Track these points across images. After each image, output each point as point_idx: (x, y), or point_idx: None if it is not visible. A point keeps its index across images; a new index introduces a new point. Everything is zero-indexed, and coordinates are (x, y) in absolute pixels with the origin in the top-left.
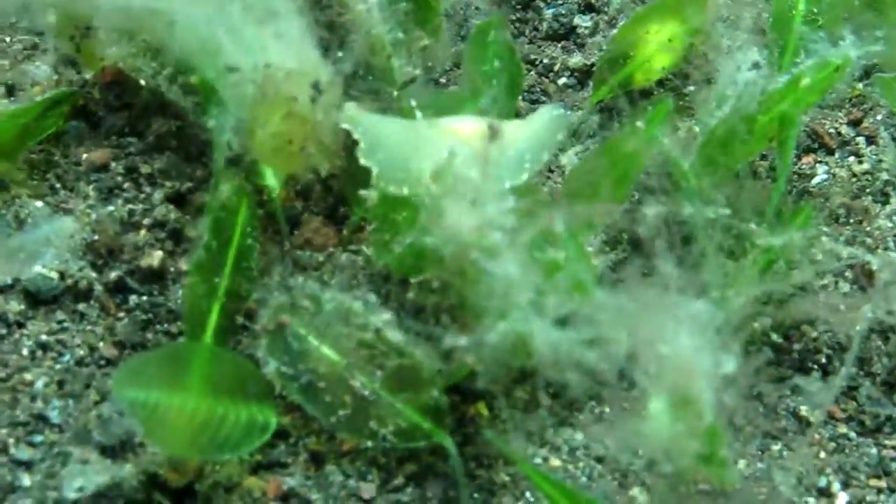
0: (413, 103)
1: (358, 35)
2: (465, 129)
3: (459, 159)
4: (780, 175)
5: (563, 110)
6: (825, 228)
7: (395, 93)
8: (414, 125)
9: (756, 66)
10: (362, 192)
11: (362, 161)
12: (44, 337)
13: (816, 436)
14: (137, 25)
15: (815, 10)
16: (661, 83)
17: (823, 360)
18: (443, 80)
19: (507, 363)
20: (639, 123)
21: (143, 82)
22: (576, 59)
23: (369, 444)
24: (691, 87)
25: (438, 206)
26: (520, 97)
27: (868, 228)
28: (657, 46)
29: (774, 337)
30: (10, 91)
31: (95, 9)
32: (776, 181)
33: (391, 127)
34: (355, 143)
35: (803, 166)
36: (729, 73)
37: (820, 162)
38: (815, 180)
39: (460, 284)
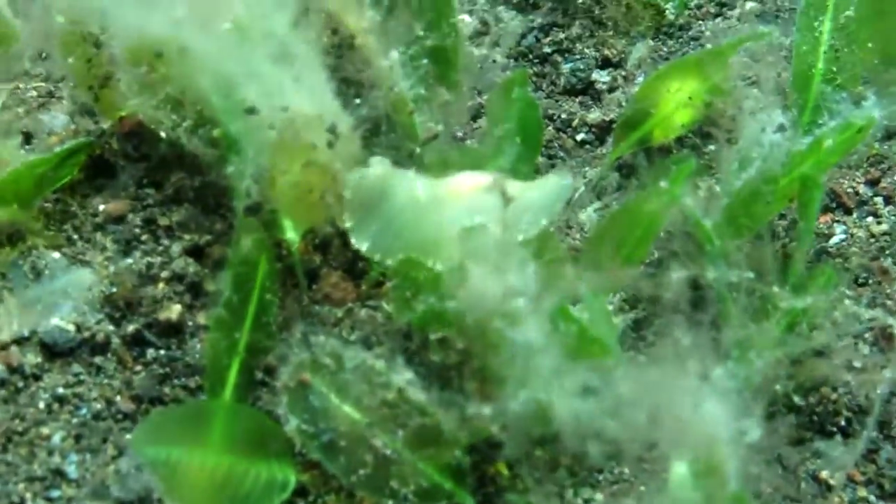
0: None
1: (380, 91)
2: (470, 184)
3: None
4: (803, 237)
5: (570, 181)
6: (845, 290)
7: (418, 149)
8: (419, 187)
9: (782, 128)
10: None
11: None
12: (60, 390)
13: (836, 499)
14: (151, 55)
15: (834, 69)
16: (679, 141)
17: (843, 423)
18: (460, 135)
19: (529, 431)
20: (662, 183)
21: (162, 134)
22: (594, 115)
23: (390, 503)
24: (712, 146)
25: (462, 271)
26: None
27: (888, 290)
28: (677, 104)
29: (795, 399)
30: (27, 139)
31: (105, 29)
32: (799, 242)
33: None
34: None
35: (821, 225)
36: (753, 134)
37: (838, 221)
38: (834, 240)
39: (482, 349)
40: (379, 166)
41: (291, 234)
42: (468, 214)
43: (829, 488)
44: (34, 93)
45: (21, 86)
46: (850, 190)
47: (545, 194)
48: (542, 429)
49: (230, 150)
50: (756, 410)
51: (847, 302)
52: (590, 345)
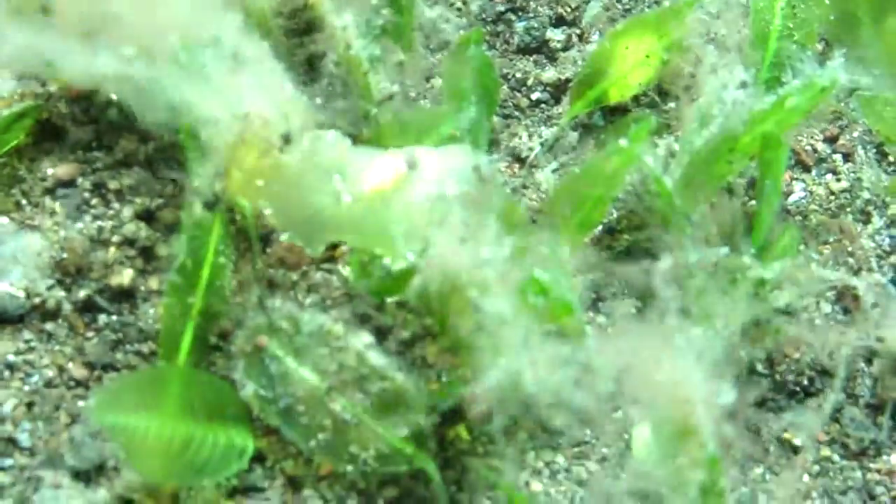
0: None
1: (335, 53)
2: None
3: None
4: (769, 197)
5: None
6: (804, 248)
7: (374, 110)
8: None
9: (744, 85)
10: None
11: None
12: (11, 357)
13: (801, 460)
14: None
15: (791, 26)
16: (636, 99)
17: (806, 383)
18: (413, 95)
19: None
20: (622, 142)
21: (113, 97)
22: (549, 74)
23: (349, 468)
24: (670, 104)
25: (425, 241)
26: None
27: (849, 248)
28: (634, 62)
29: (758, 362)
30: None
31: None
32: (764, 202)
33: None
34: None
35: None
36: (714, 91)
37: (796, 179)
38: (793, 198)
39: (446, 317)
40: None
41: (244, 200)
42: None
43: (794, 449)
44: None
45: None
46: (808, 147)
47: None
48: (515, 395)
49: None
50: (726, 374)
51: (814, 266)
52: (556, 309)
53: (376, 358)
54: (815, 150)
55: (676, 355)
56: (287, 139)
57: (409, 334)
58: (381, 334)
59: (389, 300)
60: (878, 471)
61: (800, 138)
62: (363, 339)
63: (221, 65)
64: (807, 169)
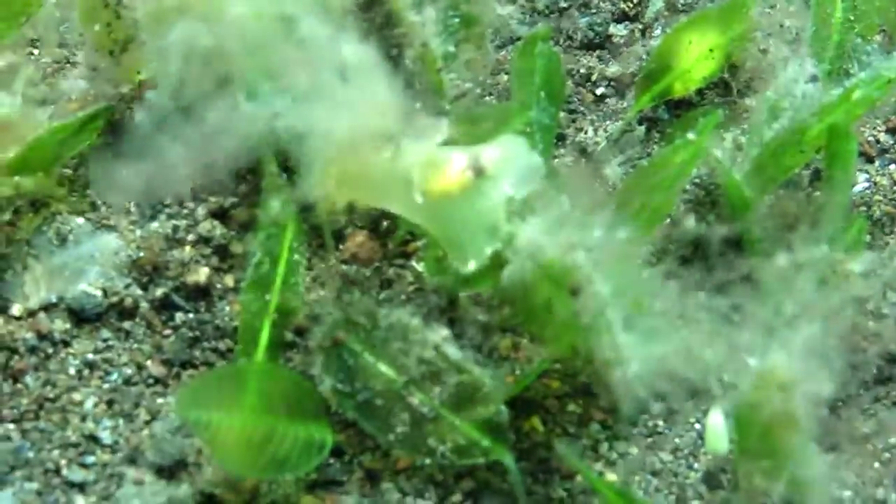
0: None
1: (412, 49)
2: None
3: None
4: (838, 188)
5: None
6: (870, 238)
7: (448, 106)
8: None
9: (814, 78)
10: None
11: None
12: (90, 356)
13: (870, 447)
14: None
15: (852, 18)
16: (700, 93)
17: (875, 372)
18: (479, 91)
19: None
20: (690, 134)
21: None
22: (613, 69)
23: (426, 461)
24: (735, 98)
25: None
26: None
27: None
28: (698, 56)
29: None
30: (46, 106)
31: None
32: (833, 193)
33: None
34: None
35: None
36: (784, 84)
37: (860, 170)
38: (857, 189)
39: (536, 308)
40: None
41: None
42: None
43: (866, 438)
44: (49, 59)
45: (35, 52)
46: (871, 139)
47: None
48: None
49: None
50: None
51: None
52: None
53: (453, 351)
54: (878, 141)
55: (765, 344)
56: (395, 143)
57: (483, 328)
58: (456, 328)
59: (462, 295)
60: None
61: (862, 129)
62: (440, 332)
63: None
64: (870, 160)
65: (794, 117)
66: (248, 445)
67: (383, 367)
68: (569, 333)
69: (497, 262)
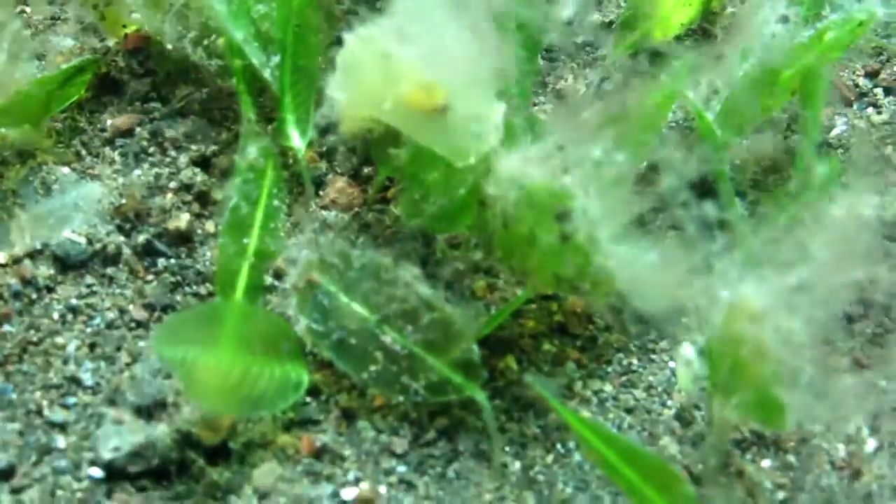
0: None
1: None
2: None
3: None
4: (809, 129)
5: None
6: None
7: None
8: None
9: (784, 19)
10: (392, 151)
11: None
12: (74, 301)
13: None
14: None
15: None
16: (680, 39)
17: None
18: None
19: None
20: (662, 76)
21: (168, 47)
22: (594, 17)
23: (401, 399)
24: (714, 44)
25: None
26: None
27: (892, 178)
28: (676, 2)
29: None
30: (36, 60)
31: None
32: (805, 134)
33: None
34: None
35: (822, 118)
36: (756, 27)
37: (839, 114)
38: (835, 132)
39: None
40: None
41: (297, 142)
42: None
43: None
44: (40, 16)
45: (27, 9)
46: (849, 83)
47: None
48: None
49: (234, 58)
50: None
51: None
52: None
53: (424, 289)
54: (856, 85)
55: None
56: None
57: (459, 270)
58: (431, 268)
59: (440, 237)
60: None
61: (841, 74)
62: (412, 271)
63: None
64: (848, 104)
65: (763, 58)
66: (224, 383)
67: (356, 307)
68: (552, 261)
69: (474, 201)
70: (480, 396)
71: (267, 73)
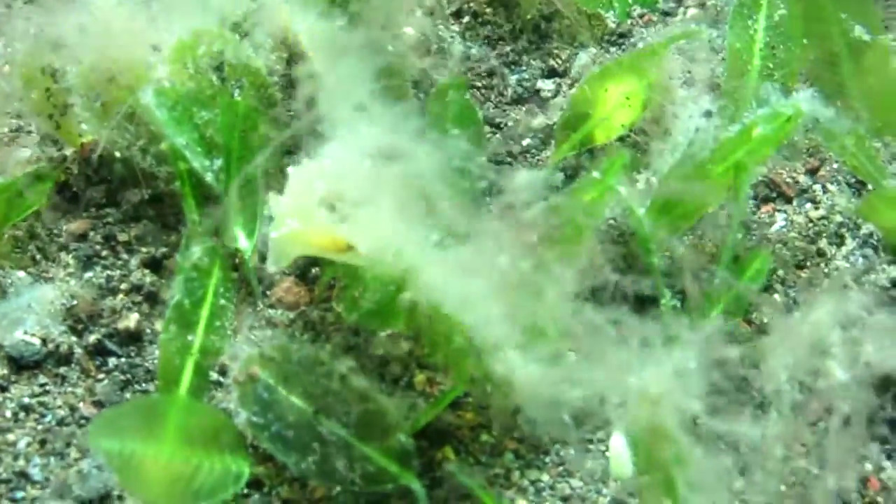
0: None
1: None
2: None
3: None
4: (734, 219)
5: None
6: (782, 273)
7: None
8: None
9: (708, 114)
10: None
11: None
12: (26, 399)
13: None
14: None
15: (771, 66)
16: (622, 140)
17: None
18: None
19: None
20: (595, 174)
21: (117, 154)
22: (538, 121)
23: (339, 489)
24: (652, 143)
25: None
26: (484, 157)
27: (826, 270)
28: (615, 104)
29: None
30: None
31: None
32: (730, 226)
33: None
34: None
35: (762, 215)
36: (682, 123)
37: (779, 210)
38: (774, 228)
39: (437, 333)
40: None
41: (244, 244)
42: None
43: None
44: (6, 129)
45: None
46: (789, 180)
47: None
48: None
49: (177, 162)
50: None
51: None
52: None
53: (359, 381)
54: (796, 182)
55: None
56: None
57: (398, 362)
58: (371, 363)
59: (382, 334)
60: None
61: (781, 172)
62: (347, 364)
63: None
64: (788, 200)
65: (688, 151)
66: (163, 476)
67: (295, 399)
68: (465, 362)
69: (404, 306)
70: (416, 485)
71: (209, 177)
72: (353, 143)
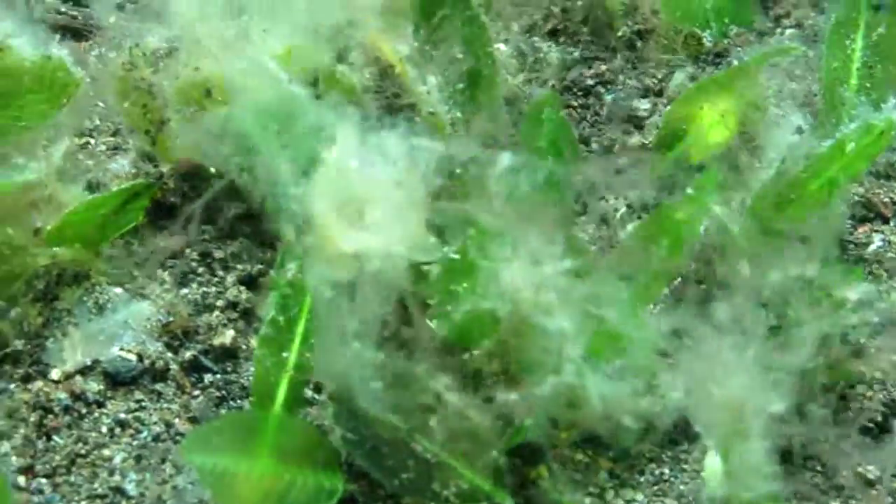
0: None
1: (419, 116)
2: None
3: None
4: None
5: None
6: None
7: (458, 170)
8: None
9: (799, 130)
10: (425, 268)
11: None
12: (122, 415)
13: (874, 492)
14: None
15: (868, 85)
16: (716, 157)
17: (879, 419)
18: None
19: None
20: (688, 190)
21: (212, 170)
22: (635, 139)
23: None
24: (744, 160)
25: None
26: (579, 176)
27: None
28: (710, 122)
29: (831, 396)
30: (97, 188)
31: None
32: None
33: None
34: None
35: (859, 235)
36: (776, 140)
37: (876, 231)
38: (871, 248)
39: (516, 344)
40: None
41: None
42: None
43: (869, 483)
44: (104, 147)
45: (92, 141)
46: (886, 199)
47: None
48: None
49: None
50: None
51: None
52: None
53: (454, 398)
54: (893, 203)
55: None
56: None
57: (492, 379)
58: (465, 380)
59: (475, 351)
60: None
61: (878, 192)
62: (443, 381)
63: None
64: (885, 220)
65: (781, 169)
66: (255, 492)
67: (389, 416)
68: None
69: (492, 317)
70: (509, 503)
71: None
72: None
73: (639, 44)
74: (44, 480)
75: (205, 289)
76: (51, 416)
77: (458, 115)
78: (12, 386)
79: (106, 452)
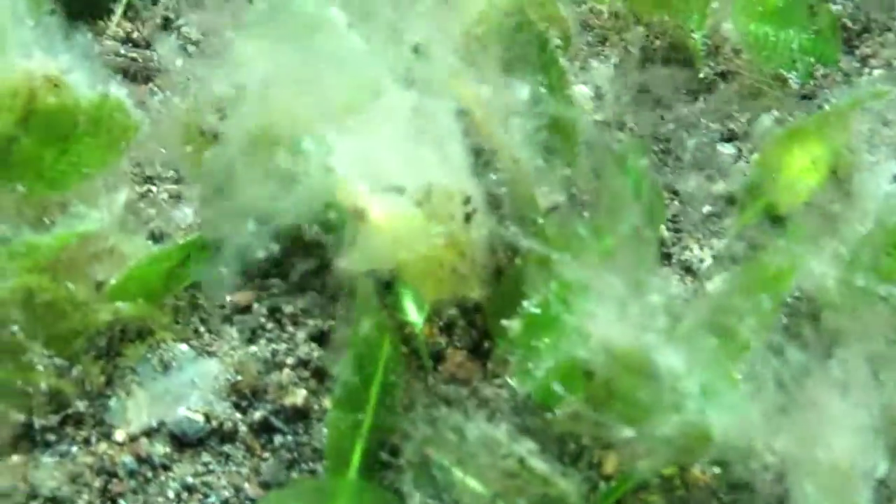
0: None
1: (502, 162)
2: None
3: None
4: None
5: None
6: None
7: (540, 220)
8: None
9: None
10: (505, 323)
11: None
12: (189, 479)
13: None
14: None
15: None
16: (807, 206)
17: None
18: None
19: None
20: (781, 242)
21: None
22: (719, 187)
23: None
24: (836, 208)
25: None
26: (663, 225)
27: None
28: (800, 168)
29: None
30: (159, 238)
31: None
32: None
33: None
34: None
35: None
36: (869, 188)
37: None
38: None
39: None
40: None
41: (415, 316)
42: None
43: None
44: (166, 195)
45: (153, 188)
46: None
47: None
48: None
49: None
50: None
51: None
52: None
53: (538, 464)
54: None
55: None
56: (469, 203)
57: (577, 441)
58: (550, 443)
59: (560, 411)
60: None
61: None
62: (526, 445)
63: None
64: None
65: (878, 219)
66: None
67: (471, 482)
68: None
69: (582, 371)
70: None
71: None
72: None
73: (721, 86)
74: None
75: (274, 345)
76: (115, 481)
77: (541, 162)
78: (75, 449)
79: None
